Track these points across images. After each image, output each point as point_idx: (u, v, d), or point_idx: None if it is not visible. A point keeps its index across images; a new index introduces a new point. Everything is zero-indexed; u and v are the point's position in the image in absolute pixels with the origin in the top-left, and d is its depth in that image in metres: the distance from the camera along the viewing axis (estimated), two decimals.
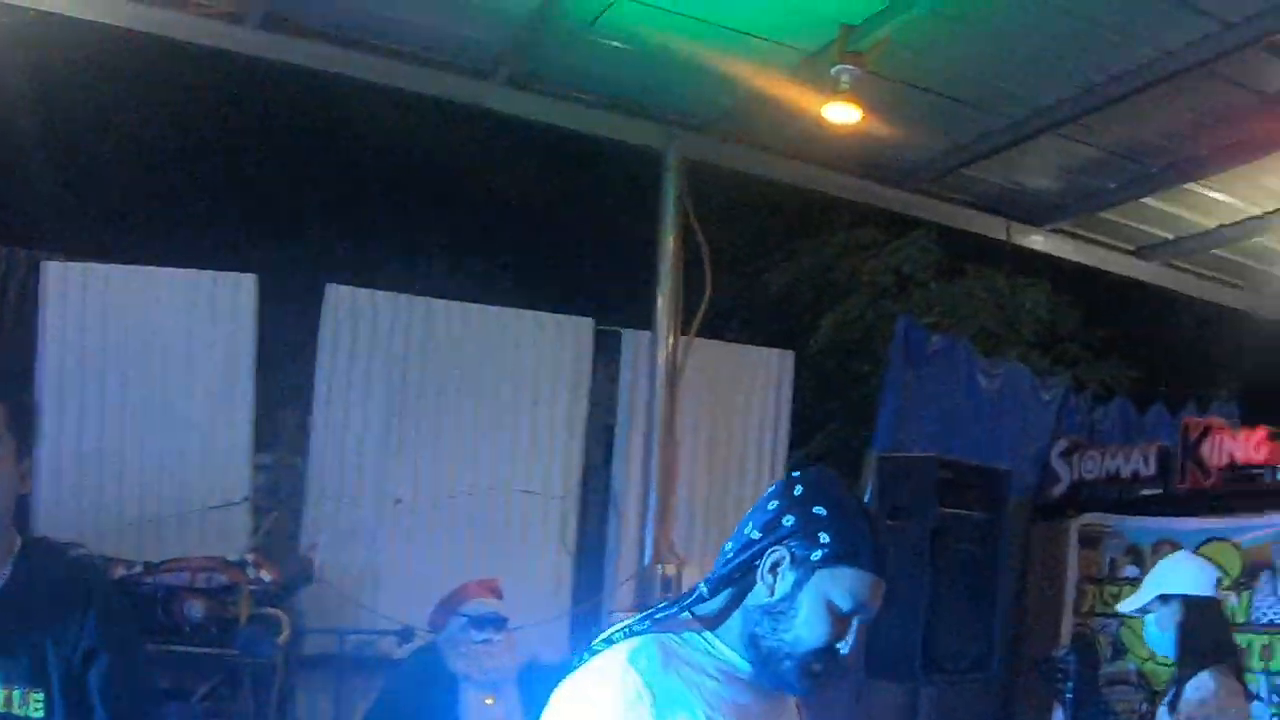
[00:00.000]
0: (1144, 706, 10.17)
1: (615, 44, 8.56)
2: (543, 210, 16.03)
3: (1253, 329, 13.90)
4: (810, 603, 3.19)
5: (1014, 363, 12.70)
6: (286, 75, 9.35)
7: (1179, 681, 6.26)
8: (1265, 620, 9.73)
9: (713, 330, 10.59)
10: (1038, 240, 11.37)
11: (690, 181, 9.70)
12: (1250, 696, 6.50)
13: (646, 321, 9.76)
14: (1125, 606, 6.79)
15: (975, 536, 9.15)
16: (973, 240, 12.08)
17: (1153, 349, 16.11)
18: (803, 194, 10.82)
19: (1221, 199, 10.53)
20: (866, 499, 9.10)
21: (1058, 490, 11.51)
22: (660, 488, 9.51)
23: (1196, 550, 10.05)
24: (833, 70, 8.15)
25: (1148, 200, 10.64)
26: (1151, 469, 10.79)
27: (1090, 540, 10.82)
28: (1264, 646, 9.66)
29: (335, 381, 9.56)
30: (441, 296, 10.05)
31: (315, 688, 9.14)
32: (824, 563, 3.20)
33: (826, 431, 14.33)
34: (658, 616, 3.27)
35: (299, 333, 9.82)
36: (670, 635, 3.22)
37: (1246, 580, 9.90)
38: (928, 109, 9.16)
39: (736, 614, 3.27)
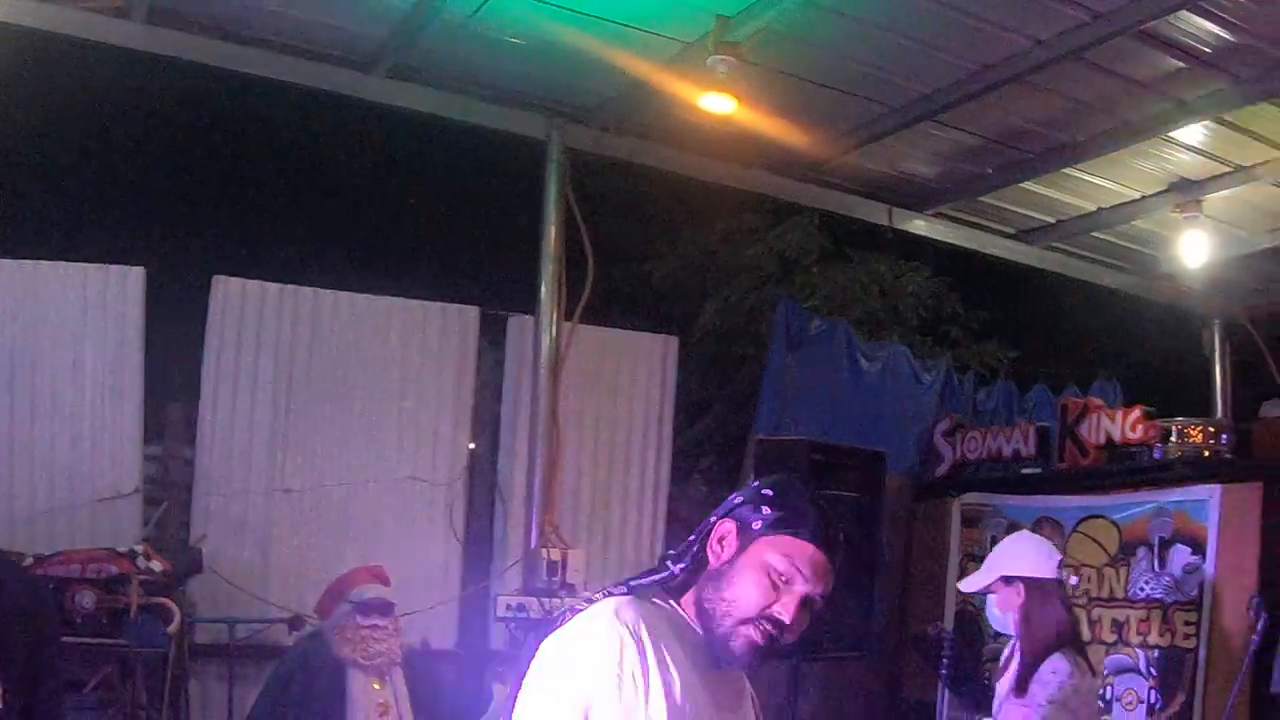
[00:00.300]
0: None
1: (496, 35, 8.62)
2: (428, 200, 16.06)
3: (1134, 310, 14.16)
4: (748, 567, 3.36)
5: (895, 345, 12.87)
6: (172, 69, 9.33)
7: (1026, 665, 6.36)
8: (1142, 596, 9.90)
9: (599, 317, 10.65)
10: (919, 225, 11.52)
11: (573, 170, 9.75)
12: (1095, 673, 6.62)
13: (532, 309, 9.80)
14: (967, 586, 6.88)
15: (852, 517, 9.25)
16: (856, 225, 12.23)
17: (1035, 330, 16.31)
18: (685, 182, 10.84)
19: (1100, 183, 10.75)
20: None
21: (940, 470, 11.70)
22: (544, 473, 9.57)
23: (1076, 528, 10.27)
24: (709, 61, 8.24)
25: (1027, 185, 10.83)
26: (1031, 448, 10.98)
27: (972, 519, 10.97)
28: (1141, 621, 9.83)
29: (223, 373, 9.61)
30: (328, 287, 10.08)
31: (208, 676, 9.23)
32: (764, 530, 3.39)
33: (711, 415, 14.41)
34: (632, 584, 3.46)
35: (187, 325, 9.81)
36: (648, 602, 3.40)
37: (1124, 556, 10.08)
38: (806, 98, 9.27)
39: (694, 586, 3.45)
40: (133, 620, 7.94)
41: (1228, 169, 10.23)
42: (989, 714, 6.74)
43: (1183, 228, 10.86)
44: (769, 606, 3.32)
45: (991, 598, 6.67)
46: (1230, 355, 13.59)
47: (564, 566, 9.25)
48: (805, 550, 3.36)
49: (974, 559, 9.92)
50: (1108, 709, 9.93)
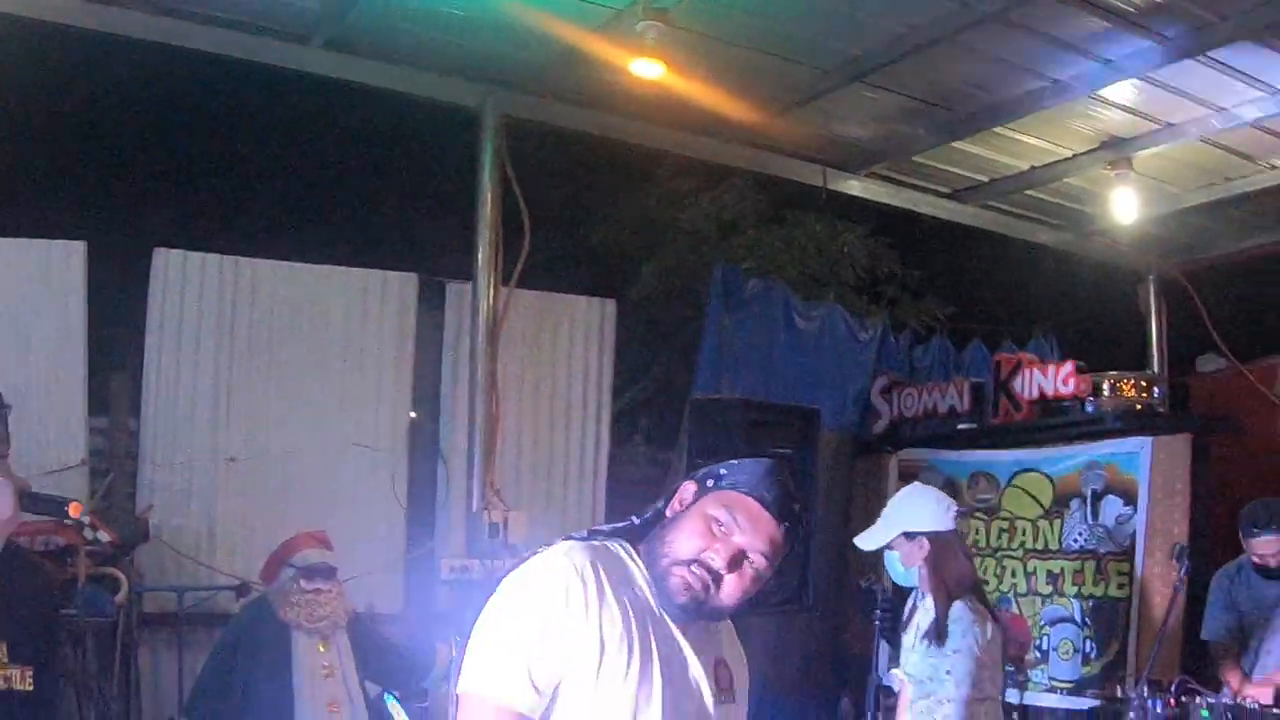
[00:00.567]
0: None
1: (430, 5, 8.65)
2: (366, 170, 16.07)
3: (1070, 266, 14.29)
4: (693, 516, 3.55)
5: (831, 304, 12.97)
6: (110, 45, 9.31)
7: (940, 615, 6.48)
8: (1076, 547, 10.10)
9: (538, 282, 10.76)
10: (854, 186, 11.61)
11: (509, 138, 9.81)
12: (995, 618, 6.76)
13: (470, 276, 9.87)
14: (866, 543, 6.89)
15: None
16: (791, 188, 12.29)
17: (972, 288, 16.37)
18: (621, 147, 10.89)
19: (1031, 142, 10.85)
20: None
21: (878, 427, 11.86)
22: (484, 437, 9.64)
23: (1010, 482, 10.43)
24: (638, 27, 8.31)
25: (959, 145, 10.92)
26: (966, 404, 11.14)
27: (909, 474, 11.06)
28: (1075, 572, 10.03)
29: (166, 344, 9.68)
30: (268, 257, 10.15)
31: (157, 644, 9.30)
32: (715, 486, 3.58)
33: (651, 377, 14.48)
34: (593, 530, 3.66)
35: (129, 298, 9.89)
36: (604, 545, 3.59)
37: (1058, 509, 10.27)
38: (736, 62, 9.32)
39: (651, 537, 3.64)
40: (81, 590, 8.00)
41: (1157, 126, 10.33)
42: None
43: (1114, 185, 11.00)
44: (702, 551, 3.47)
45: (893, 554, 6.79)
46: (1166, 310, 13.74)
47: (506, 528, 9.33)
48: (748, 504, 3.51)
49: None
50: (1044, 659, 10.11)
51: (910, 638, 6.70)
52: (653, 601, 3.53)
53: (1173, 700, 7.29)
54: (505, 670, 3.36)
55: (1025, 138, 10.77)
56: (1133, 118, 10.20)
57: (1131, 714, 7.27)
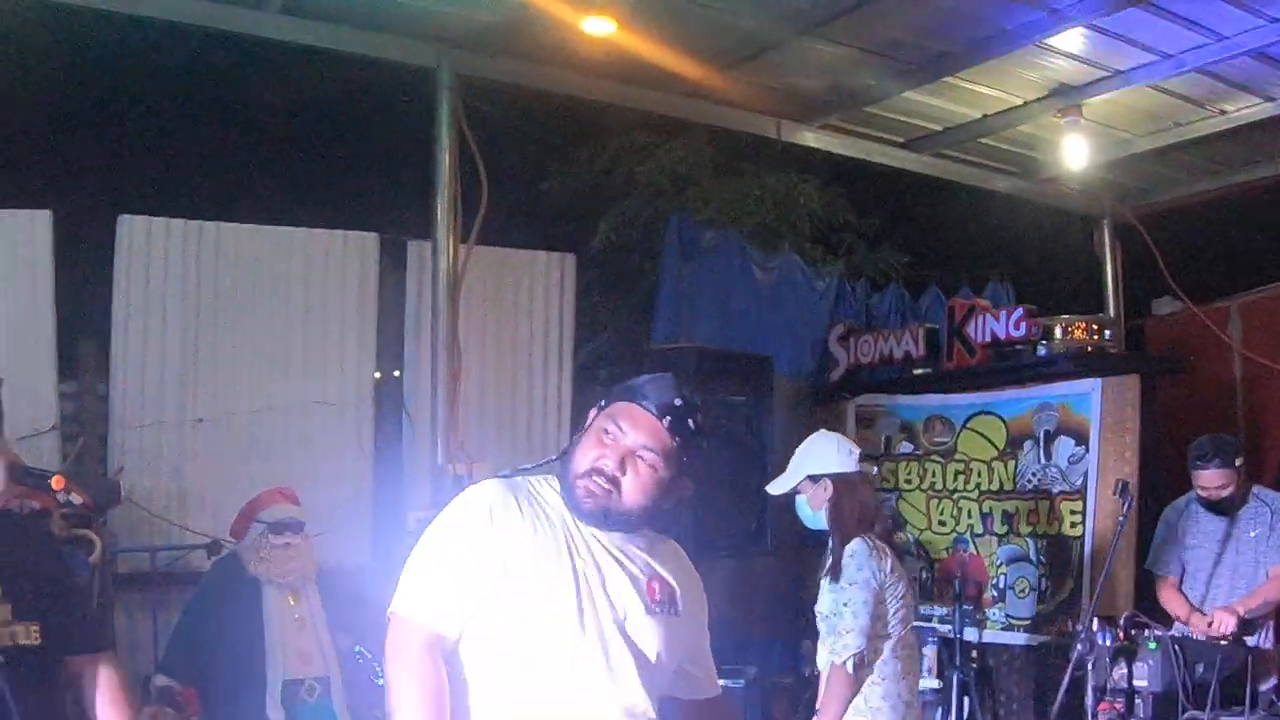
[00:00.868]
0: (923, 574, 10.69)
1: None
2: (326, 132, 16.09)
3: (1025, 213, 14.46)
4: (589, 433, 3.88)
5: (788, 254, 13.15)
6: (67, 12, 9.38)
7: (835, 554, 6.73)
8: (1030, 487, 10.31)
9: (497, 239, 10.85)
10: (808, 137, 11.69)
11: (464, 96, 9.88)
12: (899, 554, 6.98)
13: (430, 234, 9.96)
14: (774, 489, 7.22)
15: (741, 419, 9.57)
16: (746, 140, 12.44)
17: (928, 236, 16.47)
18: (576, 102, 10.93)
19: (983, 90, 10.96)
20: None
21: (836, 374, 12.00)
22: (448, 392, 9.76)
23: (965, 424, 10.61)
24: None
25: (911, 94, 11.00)
26: (921, 350, 11.30)
27: (867, 420, 11.31)
28: (1030, 511, 10.22)
29: (133, 309, 9.78)
30: (231, 220, 10.23)
31: (131, 604, 9.40)
32: (607, 404, 3.91)
33: (611, 329, 14.56)
34: (518, 469, 4.02)
35: (95, 264, 9.98)
36: (527, 479, 3.95)
37: (1012, 450, 10.47)
38: (685, 17, 9.38)
39: None
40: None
41: (1105, 74, 10.44)
42: None
43: (1065, 131, 11.12)
44: (597, 459, 3.79)
45: (801, 498, 7.02)
46: (1121, 254, 13.89)
47: (471, 480, 9.45)
48: (630, 409, 3.83)
49: (870, 459, 10.23)
50: (1001, 598, 10.31)
51: (824, 579, 6.86)
52: (570, 520, 3.82)
53: (1121, 634, 7.47)
54: (424, 591, 3.74)
55: (976, 86, 10.87)
56: (1082, 65, 10.31)
57: (1079, 647, 7.43)
